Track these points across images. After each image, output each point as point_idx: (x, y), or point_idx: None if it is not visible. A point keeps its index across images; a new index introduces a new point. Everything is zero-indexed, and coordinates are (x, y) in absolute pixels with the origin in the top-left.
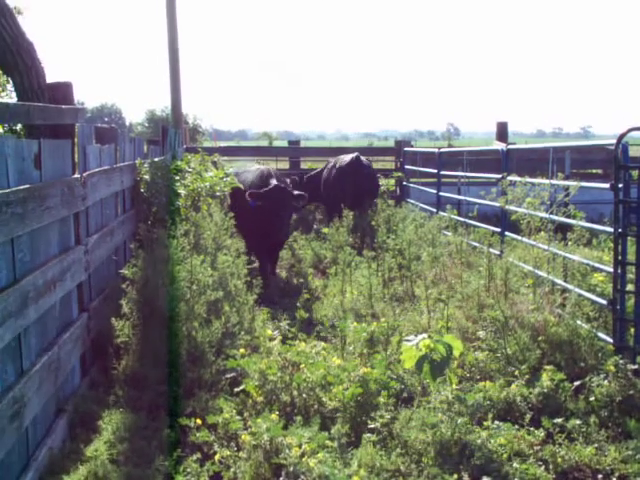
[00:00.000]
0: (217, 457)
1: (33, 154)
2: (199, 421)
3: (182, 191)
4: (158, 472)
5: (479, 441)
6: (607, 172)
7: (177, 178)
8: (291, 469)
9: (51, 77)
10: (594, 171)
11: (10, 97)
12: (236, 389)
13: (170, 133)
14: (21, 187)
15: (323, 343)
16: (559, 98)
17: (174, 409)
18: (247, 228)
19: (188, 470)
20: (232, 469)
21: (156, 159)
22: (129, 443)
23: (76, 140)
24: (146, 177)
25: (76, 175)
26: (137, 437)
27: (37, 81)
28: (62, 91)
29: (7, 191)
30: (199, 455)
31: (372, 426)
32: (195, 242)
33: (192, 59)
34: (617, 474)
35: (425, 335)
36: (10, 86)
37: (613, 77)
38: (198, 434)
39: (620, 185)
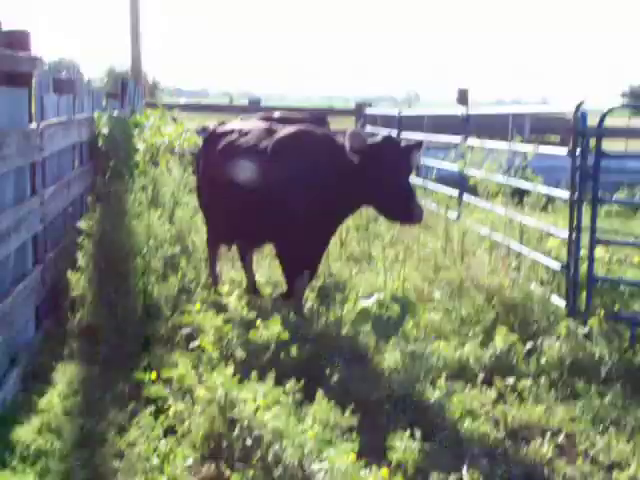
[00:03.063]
0: (171, 411)
1: None
2: (154, 375)
3: (141, 146)
4: (112, 425)
5: (432, 399)
6: (564, 140)
7: (136, 132)
8: (245, 423)
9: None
10: (552, 138)
11: None
12: (192, 344)
13: (130, 87)
14: None
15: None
16: (518, 68)
17: (129, 363)
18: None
19: (142, 423)
20: (186, 422)
21: (115, 113)
22: (83, 395)
23: (33, 90)
24: (104, 130)
25: (33, 125)
26: (91, 390)
27: None
28: (18, 38)
29: None
30: (153, 408)
31: (327, 383)
32: (153, 197)
33: (153, 16)
34: (565, 432)
35: (381, 295)
36: None
37: (571, 48)
38: (153, 388)
39: (577, 151)
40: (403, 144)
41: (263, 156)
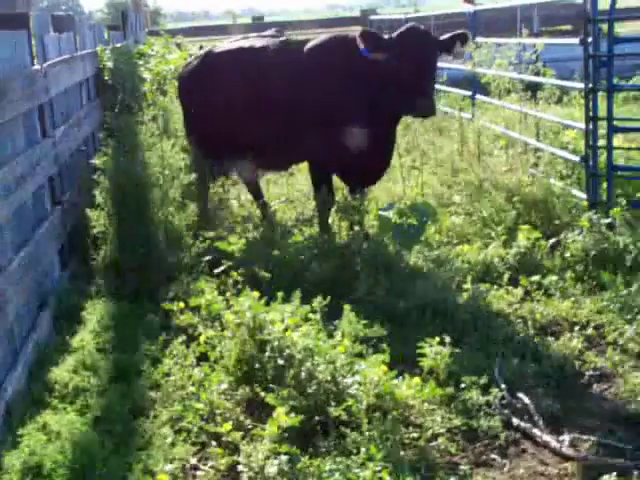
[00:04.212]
0: (202, 338)
1: None
2: (182, 304)
3: (147, 76)
4: (145, 357)
5: (460, 303)
6: (577, 28)
7: (141, 63)
8: (275, 344)
9: None
10: (564, 27)
11: None
12: (216, 270)
13: (130, 17)
14: None
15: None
16: None
17: (156, 294)
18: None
19: (174, 353)
20: (218, 348)
21: (118, 45)
22: (114, 331)
23: (32, 30)
24: (109, 64)
25: (36, 66)
26: (122, 324)
27: None
28: None
29: None
30: (184, 337)
31: (353, 297)
32: (164, 127)
33: None
34: (593, 324)
35: (400, 203)
36: None
37: None
38: (182, 317)
39: (589, 39)
40: (447, 35)
41: (297, 66)
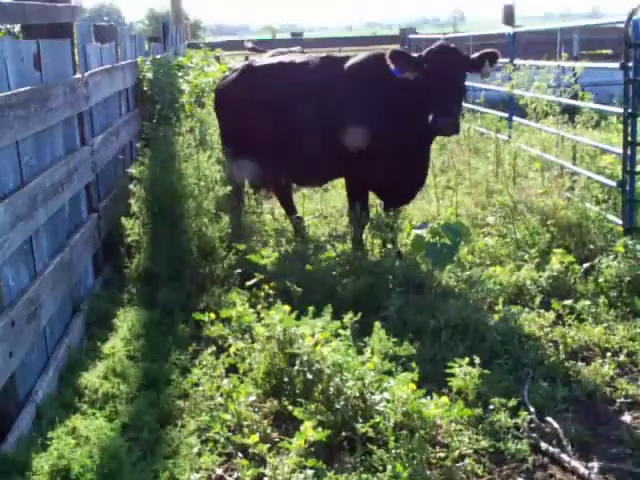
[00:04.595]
0: (232, 350)
1: (32, 55)
2: (213, 315)
3: (185, 87)
4: (175, 366)
5: (491, 324)
6: (617, 52)
7: (180, 74)
8: (305, 358)
9: None
10: (604, 52)
11: None
12: (248, 283)
13: (171, 29)
14: (22, 89)
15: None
16: None
17: (188, 305)
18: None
19: (204, 363)
20: (247, 360)
21: (158, 56)
22: (145, 339)
23: (75, 40)
24: (149, 75)
25: (77, 75)
26: (152, 333)
27: None
28: None
29: (8, 93)
30: (214, 348)
31: (384, 314)
32: (201, 138)
33: None
34: (625, 351)
35: (434, 223)
36: None
37: None
38: (212, 328)
39: (630, 64)
40: (477, 54)
41: (337, 83)
